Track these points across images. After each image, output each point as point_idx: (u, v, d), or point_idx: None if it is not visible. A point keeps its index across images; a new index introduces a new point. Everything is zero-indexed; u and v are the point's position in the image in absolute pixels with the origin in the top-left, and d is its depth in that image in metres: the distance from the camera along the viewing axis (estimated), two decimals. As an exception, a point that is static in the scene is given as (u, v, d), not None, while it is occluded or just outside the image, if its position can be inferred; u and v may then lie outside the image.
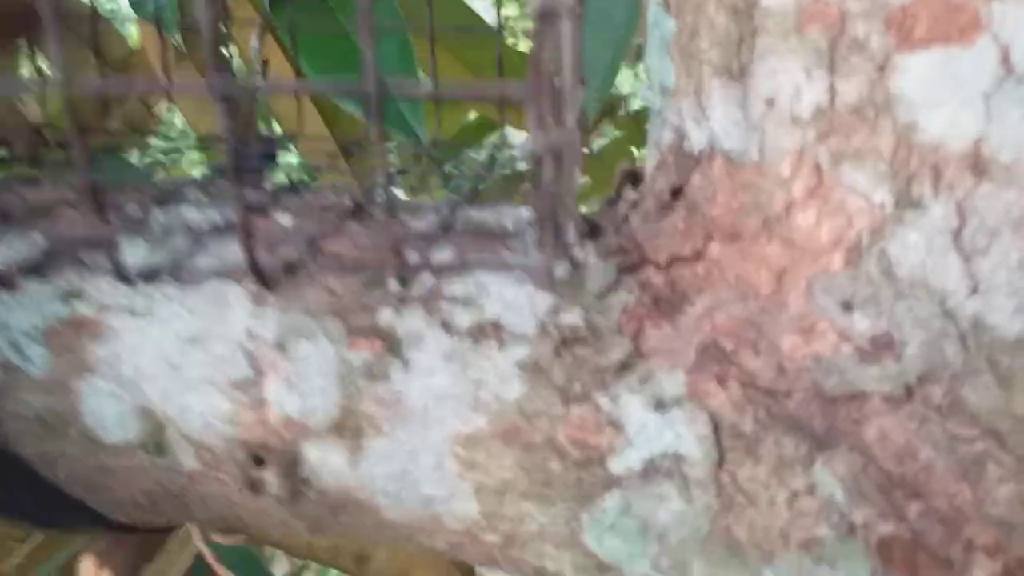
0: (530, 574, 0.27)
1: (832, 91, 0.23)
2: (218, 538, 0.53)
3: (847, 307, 0.23)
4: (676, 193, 0.28)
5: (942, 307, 0.22)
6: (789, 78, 0.24)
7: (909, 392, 0.22)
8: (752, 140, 0.25)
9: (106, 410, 0.24)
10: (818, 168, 0.24)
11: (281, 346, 0.24)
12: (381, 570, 0.57)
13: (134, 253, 0.24)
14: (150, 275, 0.20)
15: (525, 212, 0.29)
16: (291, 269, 0.20)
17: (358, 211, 0.28)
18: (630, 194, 0.30)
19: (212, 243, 0.24)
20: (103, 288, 0.24)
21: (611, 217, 0.29)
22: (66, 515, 0.26)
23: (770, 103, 0.24)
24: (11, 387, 0.24)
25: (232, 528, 0.27)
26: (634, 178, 0.31)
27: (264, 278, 0.19)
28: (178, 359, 0.24)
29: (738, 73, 0.25)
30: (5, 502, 0.25)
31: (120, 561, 0.29)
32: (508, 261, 0.24)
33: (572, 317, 0.25)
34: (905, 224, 0.23)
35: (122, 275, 0.19)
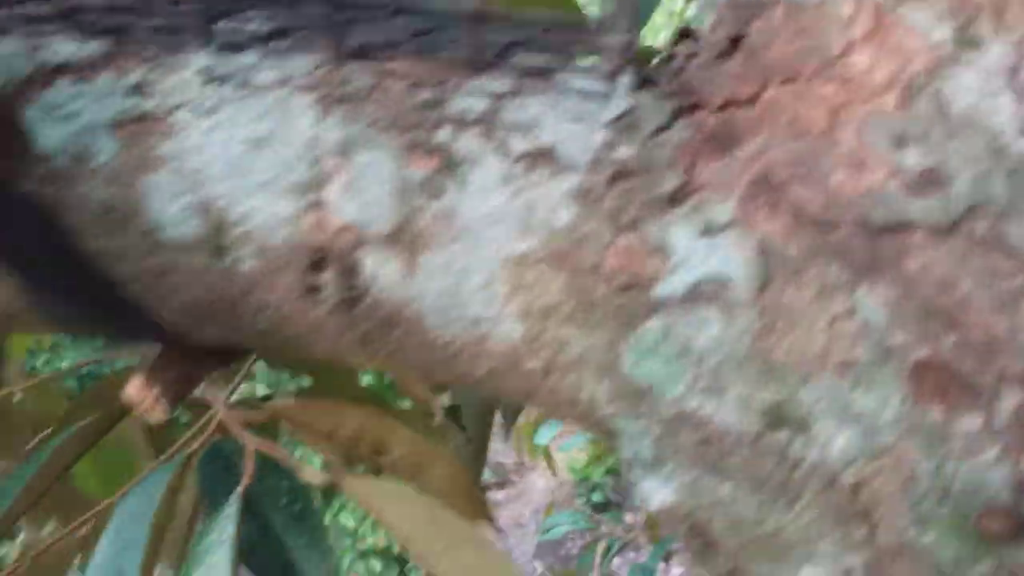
0: (564, 405, 0.30)
1: (897, -75, 0.25)
2: (244, 414, 0.57)
3: (899, 143, 0.25)
4: (735, 41, 0.30)
5: (992, 146, 0.25)
6: None
7: (954, 225, 0.25)
8: (816, -15, 0.27)
9: (169, 206, 0.27)
10: (879, 7, 0.26)
11: (344, 154, 0.27)
12: (396, 462, 0.60)
13: (202, 51, 0.27)
14: (233, 46, 0.22)
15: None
16: (362, 53, 0.23)
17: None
18: (685, 47, 0.32)
19: (283, 49, 0.27)
20: (172, 84, 0.27)
21: (665, 71, 0.32)
22: (122, 321, 0.29)
23: None
24: (79, 177, 0.27)
25: (279, 348, 0.30)
26: (689, 36, 0.33)
27: (341, 52, 0.22)
28: (243, 160, 0.26)
29: None
30: (62, 302, 0.28)
31: (168, 381, 0.32)
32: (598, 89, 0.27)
33: (626, 151, 0.28)
34: (962, 64, 0.25)
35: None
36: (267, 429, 0.59)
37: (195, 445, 0.50)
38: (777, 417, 0.26)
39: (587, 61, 0.31)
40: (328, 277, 0.27)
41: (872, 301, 0.25)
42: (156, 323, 0.29)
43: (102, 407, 0.58)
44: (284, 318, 0.29)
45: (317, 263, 0.27)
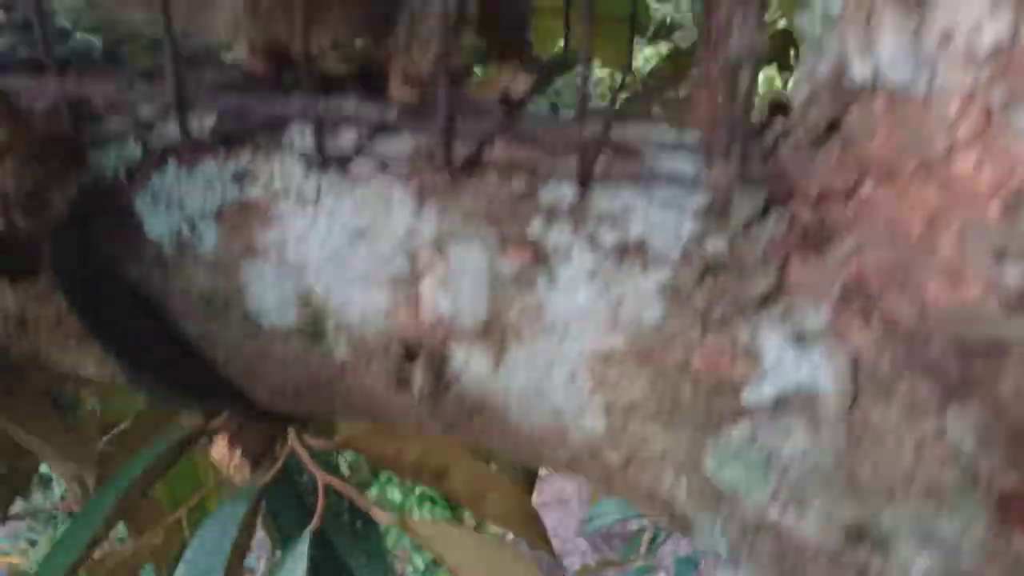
0: (642, 495, 0.32)
1: (1015, 29, 0.26)
2: (312, 441, 0.61)
3: (999, 257, 0.27)
4: (831, 126, 0.31)
5: (1098, 267, 0.26)
6: (971, 11, 0.26)
7: (1052, 348, 0.26)
8: (921, 75, 0.28)
9: (269, 294, 0.30)
10: (987, 110, 0.27)
11: (439, 247, 0.29)
12: (458, 488, 0.64)
13: (302, 140, 0.29)
14: (322, 164, 0.25)
15: (669, 130, 0.33)
16: (472, 162, 0.25)
17: (513, 117, 0.32)
18: (778, 124, 0.33)
19: (379, 138, 0.29)
20: (274, 172, 0.29)
21: (757, 147, 0.33)
22: (216, 396, 0.32)
23: (946, 37, 0.27)
24: (182, 263, 0.30)
25: (367, 421, 0.33)
26: (781, 109, 0.34)
27: (453, 168, 0.24)
28: (342, 251, 0.29)
29: (915, 2, 0.28)
30: (162, 378, 0.31)
31: (249, 443, 0.35)
32: (687, 174, 0.28)
33: (717, 244, 0.29)
34: (1071, 179, 0.26)
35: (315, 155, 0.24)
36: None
37: (267, 477, 0.54)
38: (858, 534, 0.27)
39: (677, 138, 0.33)
40: (419, 368, 0.29)
41: (962, 424, 0.26)
42: (246, 398, 0.32)
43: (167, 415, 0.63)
44: (374, 401, 0.31)
45: (409, 354, 0.29)
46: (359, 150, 0.29)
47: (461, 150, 0.29)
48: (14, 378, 0.58)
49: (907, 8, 0.28)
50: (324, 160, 0.27)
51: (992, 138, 0.27)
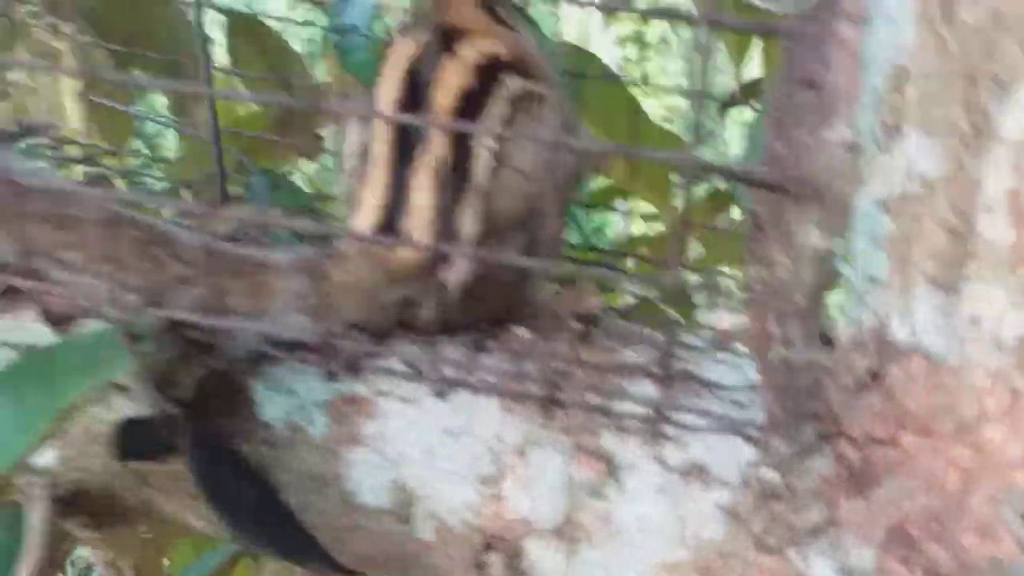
0: None
1: (1037, 323, 0.28)
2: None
3: (1027, 521, 0.28)
4: (874, 376, 0.33)
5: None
6: (995, 306, 0.28)
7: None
8: (953, 348, 0.30)
9: (367, 479, 0.32)
10: (1014, 392, 0.29)
11: (521, 452, 0.31)
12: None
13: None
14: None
15: (733, 367, 0.35)
16: (554, 399, 0.28)
17: (585, 334, 0.35)
18: (825, 360, 0.35)
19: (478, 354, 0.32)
20: (380, 375, 0.32)
21: (805, 380, 0.35)
22: (305, 553, 0.34)
23: (974, 322, 0.29)
24: (294, 445, 0.32)
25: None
26: (828, 343, 0.36)
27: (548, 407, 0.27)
28: (436, 447, 0.31)
29: (947, 286, 0.29)
30: (261, 538, 0.33)
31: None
32: (750, 434, 0.31)
33: (772, 474, 0.31)
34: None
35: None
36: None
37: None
38: None
39: (734, 366, 0.35)
40: (496, 558, 0.31)
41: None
42: (333, 561, 0.34)
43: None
44: (449, 580, 0.33)
45: (488, 545, 0.31)
46: (461, 366, 0.31)
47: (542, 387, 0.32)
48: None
49: (940, 289, 0.30)
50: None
51: (1019, 415, 0.29)
